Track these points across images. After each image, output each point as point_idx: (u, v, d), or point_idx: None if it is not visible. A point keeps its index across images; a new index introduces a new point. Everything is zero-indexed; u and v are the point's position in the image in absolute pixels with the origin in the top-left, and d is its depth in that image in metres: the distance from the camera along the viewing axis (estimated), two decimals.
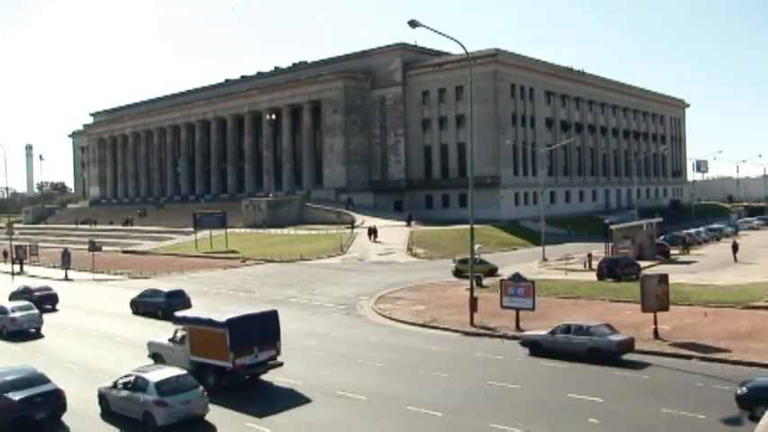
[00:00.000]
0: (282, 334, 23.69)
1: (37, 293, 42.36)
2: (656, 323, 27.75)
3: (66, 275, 59.89)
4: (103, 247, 76.71)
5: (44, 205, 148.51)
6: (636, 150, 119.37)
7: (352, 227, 77.31)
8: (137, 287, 51.49)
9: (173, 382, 19.60)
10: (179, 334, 24.70)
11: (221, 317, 22.99)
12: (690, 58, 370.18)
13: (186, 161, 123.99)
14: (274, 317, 24.23)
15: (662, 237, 62.58)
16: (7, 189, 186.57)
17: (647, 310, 27.82)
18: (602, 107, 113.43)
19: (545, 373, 23.63)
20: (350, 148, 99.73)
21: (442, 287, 44.55)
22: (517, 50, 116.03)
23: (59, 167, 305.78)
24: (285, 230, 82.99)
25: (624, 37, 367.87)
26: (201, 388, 19.98)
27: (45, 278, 60.78)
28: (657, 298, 27.58)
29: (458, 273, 48.70)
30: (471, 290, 33.68)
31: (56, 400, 19.75)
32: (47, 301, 42.03)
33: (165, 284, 45.90)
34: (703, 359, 24.45)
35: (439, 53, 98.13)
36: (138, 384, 19.67)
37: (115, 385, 20.47)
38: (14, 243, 70.69)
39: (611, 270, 45.22)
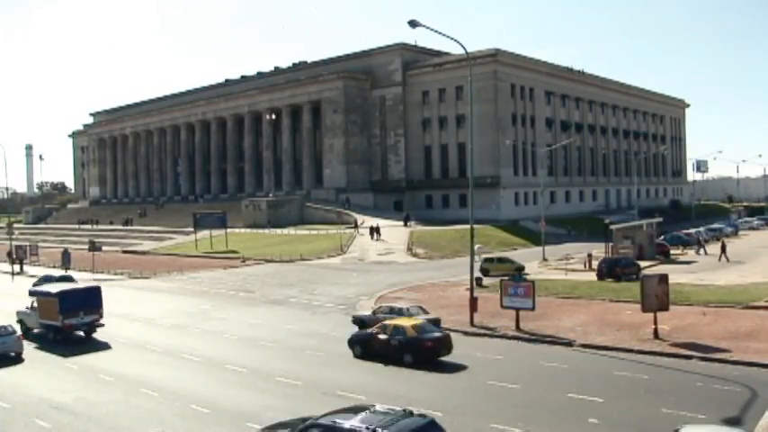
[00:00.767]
0: (282, 334, 23.99)
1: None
2: (656, 323, 27.74)
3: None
4: (103, 247, 76.76)
5: (44, 205, 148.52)
6: (636, 150, 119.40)
7: (356, 227, 77.03)
8: (136, 287, 51.58)
9: None
10: (34, 304, 32.70)
11: (55, 289, 32.00)
12: (690, 58, 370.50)
13: (186, 161, 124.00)
14: (98, 291, 32.80)
15: (662, 237, 62.58)
16: (7, 189, 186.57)
17: (647, 310, 27.81)
18: (602, 107, 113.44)
19: (545, 374, 23.63)
20: (350, 148, 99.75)
21: (442, 287, 44.54)
22: (517, 50, 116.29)
23: (59, 167, 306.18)
24: (285, 230, 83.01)
25: (624, 37, 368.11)
26: (18, 334, 28.47)
27: None
28: (657, 298, 27.56)
29: (484, 272, 48.76)
30: (471, 290, 33.68)
31: None
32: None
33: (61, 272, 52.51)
34: (703, 359, 24.44)
35: (439, 53, 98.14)
36: None
37: None
38: (14, 243, 70.69)
39: (611, 270, 45.20)
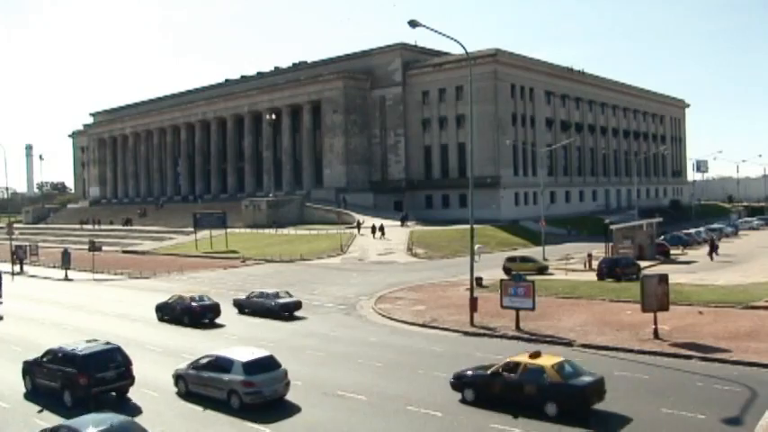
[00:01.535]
0: (282, 334, 23.88)
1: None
2: (656, 323, 27.74)
3: (66, 275, 59.88)
4: (103, 247, 76.72)
5: (44, 205, 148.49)
6: (636, 150, 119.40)
7: (358, 227, 77.00)
8: (136, 287, 51.58)
9: None
10: None
11: None
12: (690, 58, 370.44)
13: (186, 161, 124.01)
14: None
15: (662, 237, 62.57)
16: (7, 189, 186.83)
17: (647, 310, 27.80)
18: (602, 107, 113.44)
19: None
20: (350, 148, 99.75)
21: (442, 287, 44.53)
22: (517, 50, 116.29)
23: (59, 167, 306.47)
24: (285, 230, 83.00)
25: (624, 37, 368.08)
26: None
27: (45, 278, 60.96)
28: (657, 298, 27.54)
29: (507, 271, 48.86)
30: (471, 290, 33.68)
31: None
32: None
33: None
34: (703, 359, 24.43)
35: (439, 53, 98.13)
36: None
37: None
38: (14, 243, 70.69)
39: (611, 270, 45.18)
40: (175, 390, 22.42)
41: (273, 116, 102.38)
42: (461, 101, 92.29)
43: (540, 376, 19.00)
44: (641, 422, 18.32)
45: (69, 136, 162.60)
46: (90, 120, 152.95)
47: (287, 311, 36.43)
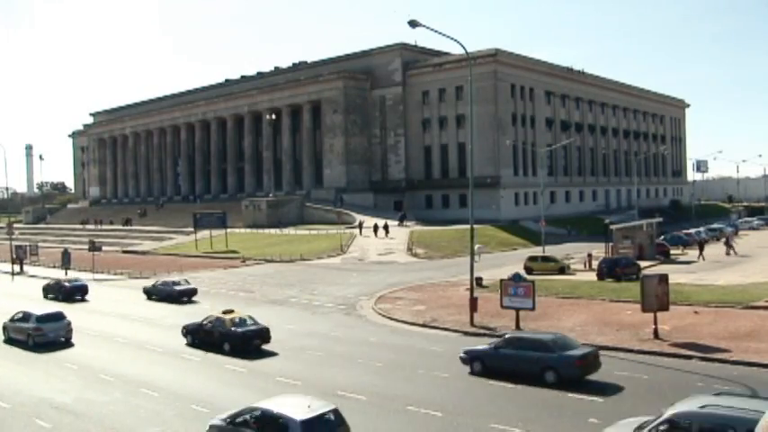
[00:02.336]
0: (282, 334, 23.91)
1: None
2: (656, 323, 27.74)
3: (66, 275, 59.82)
4: (103, 247, 76.70)
5: (44, 205, 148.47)
6: (636, 150, 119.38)
7: (360, 228, 77.00)
8: (136, 287, 51.56)
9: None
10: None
11: None
12: (690, 58, 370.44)
13: (186, 161, 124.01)
14: None
15: (662, 237, 62.56)
16: (7, 189, 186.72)
17: (647, 310, 27.80)
18: (602, 107, 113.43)
19: None
20: (350, 148, 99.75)
21: (442, 287, 44.52)
22: (517, 50, 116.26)
23: (59, 167, 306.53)
24: (285, 230, 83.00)
25: (624, 37, 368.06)
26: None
27: (45, 278, 60.88)
28: (657, 298, 27.54)
29: (528, 270, 48.90)
30: (471, 290, 33.68)
31: None
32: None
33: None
34: (703, 359, 24.44)
35: (439, 53, 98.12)
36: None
37: None
38: (14, 243, 70.67)
39: (611, 270, 45.17)
40: None
41: (273, 116, 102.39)
42: (461, 101, 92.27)
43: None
44: None
45: (69, 136, 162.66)
46: (90, 120, 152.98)
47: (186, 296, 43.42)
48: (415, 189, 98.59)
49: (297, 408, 15.94)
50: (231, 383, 23.63)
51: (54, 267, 66.03)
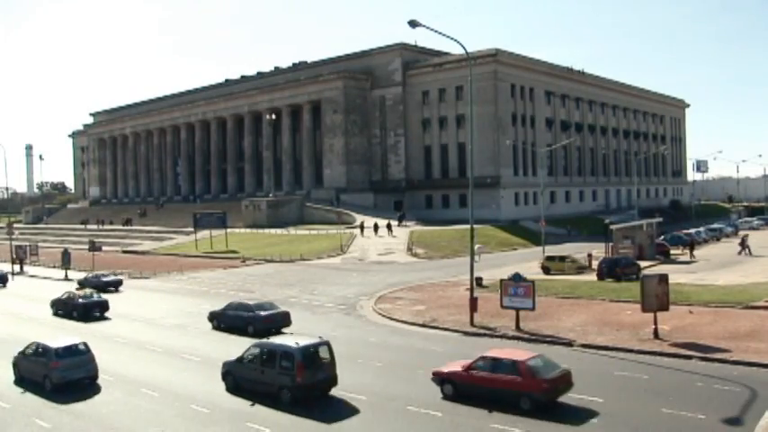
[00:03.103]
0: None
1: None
2: (656, 323, 27.74)
3: (66, 275, 59.88)
4: (103, 247, 76.76)
5: (44, 205, 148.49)
6: (636, 150, 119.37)
7: (361, 229, 76.76)
8: (136, 287, 51.55)
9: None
10: None
11: None
12: (690, 58, 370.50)
13: (186, 161, 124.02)
14: None
15: (662, 237, 62.55)
16: (7, 189, 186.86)
17: (647, 310, 27.80)
18: (602, 107, 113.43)
19: None
20: (350, 148, 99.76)
21: (442, 287, 44.52)
22: (517, 50, 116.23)
23: (59, 167, 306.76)
24: (285, 230, 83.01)
25: (624, 37, 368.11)
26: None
27: (45, 278, 60.98)
28: (657, 298, 27.54)
29: (546, 270, 48.83)
30: (471, 290, 33.68)
31: None
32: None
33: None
34: (703, 359, 24.43)
35: (439, 53, 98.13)
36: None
37: None
38: (14, 243, 70.71)
39: (611, 270, 45.15)
40: None
41: (273, 116, 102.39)
42: (461, 101, 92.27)
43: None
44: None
45: (69, 136, 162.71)
46: (90, 120, 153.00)
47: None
48: (415, 189, 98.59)
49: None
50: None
51: (54, 267, 66.03)
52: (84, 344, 24.56)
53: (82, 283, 49.65)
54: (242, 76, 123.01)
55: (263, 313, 31.92)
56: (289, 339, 23.10)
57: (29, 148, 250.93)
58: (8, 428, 19.74)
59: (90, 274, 53.71)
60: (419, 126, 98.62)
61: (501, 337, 29.81)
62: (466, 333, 30.95)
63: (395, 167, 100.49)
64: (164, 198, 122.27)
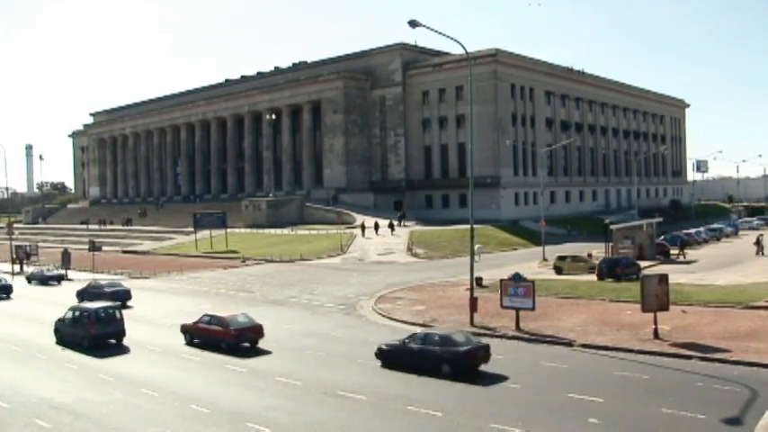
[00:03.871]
0: (282, 334, 23.95)
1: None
2: (656, 323, 27.74)
3: (66, 275, 59.88)
4: (103, 247, 76.71)
5: (44, 205, 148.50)
6: (636, 150, 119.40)
7: (363, 229, 76.54)
8: (136, 287, 51.50)
9: None
10: None
11: None
12: (690, 58, 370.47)
13: (186, 161, 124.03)
14: None
15: (662, 237, 62.57)
16: (7, 189, 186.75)
17: (647, 310, 27.81)
18: (602, 107, 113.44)
19: (545, 374, 23.63)
20: (350, 148, 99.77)
21: (442, 287, 44.52)
22: (517, 50, 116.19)
23: (59, 167, 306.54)
24: (285, 230, 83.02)
25: (624, 37, 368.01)
26: None
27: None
28: (657, 298, 27.55)
29: (558, 270, 48.78)
30: (471, 290, 33.68)
31: None
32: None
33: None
34: (703, 359, 24.44)
35: (439, 53, 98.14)
36: None
37: None
38: (14, 243, 70.72)
39: (611, 270, 45.15)
40: None
41: (273, 116, 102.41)
42: (461, 101, 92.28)
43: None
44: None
45: (69, 136, 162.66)
46: (90, 120, 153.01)
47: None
48: (414, 189, 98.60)
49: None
50: (230, 383, 23.63)
51: (54, 267, 65.92)
52: None
53: (28, 278, 57.82)
54: (242, 76, 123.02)
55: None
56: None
57: (29, 148, 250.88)
58: (8, 428, 19.73)
59: (36, 270, 60.85)
60: (419, 126, 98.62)
61: (501, 336, 29.81)
62: None
63: (395, 167, 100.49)
64: (164, 198, 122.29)
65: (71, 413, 20.71)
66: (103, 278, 58.41)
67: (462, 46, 32.53)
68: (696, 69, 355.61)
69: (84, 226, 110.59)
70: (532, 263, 55.97)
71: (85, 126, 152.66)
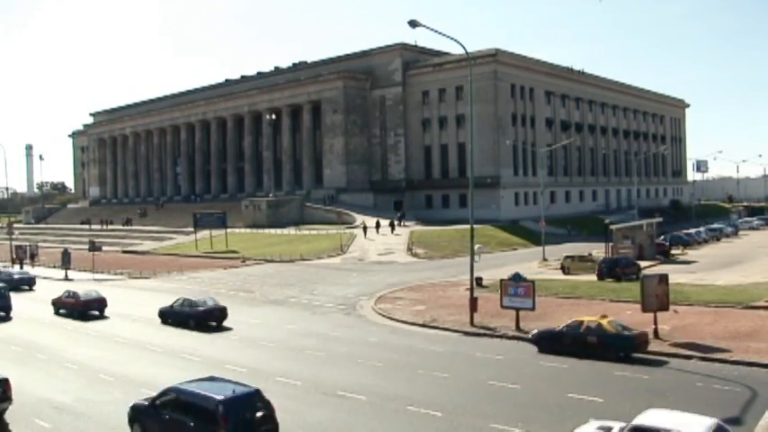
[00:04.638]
0: (282, 334, 23.90)
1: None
2: (656, 323, 27.73)
3: (66, 275, 59.91)
4: (103, 247, 76.76)
5: (44, 205, 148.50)
6: (636, 150, 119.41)
7: (364, 230, 76.30)
8: (136, 287, 51.56)
9: None
10: None
11: None
12: (690, 58, 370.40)
13: (186, 161, 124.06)
14: None
15: (662, 237, 62.60)
16: (7, 189, 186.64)
17: (647, 310, 27.80)
18: (602, 107, 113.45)
19: (545, 373, 23.63)
20: (350, 148, 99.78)
21: (442, 287, 44.53)
22: (517, 50, 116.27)
23: (59, 167, 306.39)
24: (285, 230, 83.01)
25: (624, 37, 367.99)
26: None
27: (45, 278, 60.90)
28: (657, 298, 27.54)
29: (564, 270, 48.91)
30: (471, 290, 33.68)
31: None
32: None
33: None
34: (703, 359, 24.43)
35: (439, 53, 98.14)
36: None
37: None
38: (14, 243, 70.71)
39: (611, 270, 45.18)
40: None
41: (273, 116, 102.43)
42: (461, 101, 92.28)
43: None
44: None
45: (69, 136, 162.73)
46: (90, 120, 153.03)
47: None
48: (414, 189, 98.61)
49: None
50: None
51: (54, 267, 66.02)
52: None
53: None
54: (242, 76, 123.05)
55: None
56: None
57: (29, 148, 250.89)
58: (8, 428, 19.73)
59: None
60: (419, 126, 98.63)
61: (501, 336, 29.81)
62: (466, 333, 30.95)
63: (395, 167, 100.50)
64: (164, 198, 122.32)
65: (71, 413, 20.64)
66: (103, 278, 58.54)
67: (462, 46, 32.55)
68: (696, 69, 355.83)
69: (84, 226, 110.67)
70: (532, 263, 55.97)
71: (85, 126, 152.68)
